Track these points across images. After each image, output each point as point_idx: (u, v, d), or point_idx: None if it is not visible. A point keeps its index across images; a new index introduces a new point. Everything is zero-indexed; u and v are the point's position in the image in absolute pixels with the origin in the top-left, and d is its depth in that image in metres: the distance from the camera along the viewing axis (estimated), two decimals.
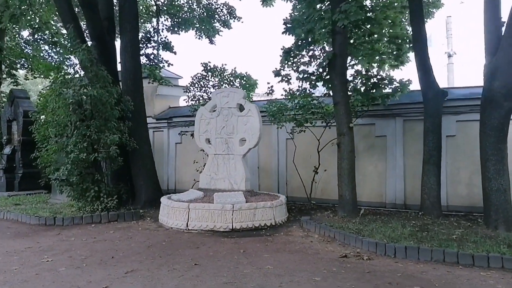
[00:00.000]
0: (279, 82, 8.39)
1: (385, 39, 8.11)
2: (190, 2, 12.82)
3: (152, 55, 11.41)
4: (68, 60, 12.99)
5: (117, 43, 9.84)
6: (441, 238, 5.49)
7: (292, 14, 8.34)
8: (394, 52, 8.20)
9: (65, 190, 7.98)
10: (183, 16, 12.74)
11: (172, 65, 11.65)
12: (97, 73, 8.12)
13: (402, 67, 8.50)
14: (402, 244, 5.18)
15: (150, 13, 13.30)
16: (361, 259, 5.02)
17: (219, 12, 12.75)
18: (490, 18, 6.35)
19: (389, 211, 8.12)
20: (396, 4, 7.97)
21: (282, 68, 8.34)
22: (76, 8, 10.64)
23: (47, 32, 13.83)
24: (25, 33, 14.89)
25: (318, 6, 7.67)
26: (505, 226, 5.98)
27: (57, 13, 11.76)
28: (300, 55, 8.22)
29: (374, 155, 8.76)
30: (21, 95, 12.32)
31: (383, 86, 7.89)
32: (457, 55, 19.48)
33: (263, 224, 6.79)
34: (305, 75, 8.14)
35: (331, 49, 7.67)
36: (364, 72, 8.27)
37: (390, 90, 7.96)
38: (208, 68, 9.82)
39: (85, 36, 9.55)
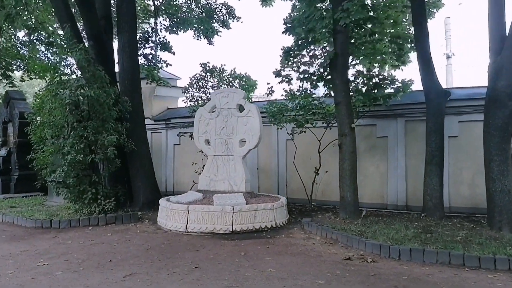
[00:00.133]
0: (279, 82, 8.33)
1: (387, 38, 8.05)
2: (188, 2, 12.71)
3: (150, 56, 11.30)
4: (64, 61, 12.82)
5: (115, 43, 9.75)
6: (445, 240, 5.42)
7: (292, 14, 8.30)
8: (396, 52, 8.14)
9: (62, 192, 7.87)
10: (182, 16, 12.63)
11: (170, 65, 11.56)
12: (95, 73, 8.01)
13: (403, 67, 8.46)
14: (407, 246, 5.09)
15: (148, 12, 13.18)
16: (365, 261, 4.93)
17: (218, 12, 12.64)
18: (495, 17, 6.28)
19: (391, 212, 8.04)
20: (398, 3, 7.92)
21: (282, 69, 8.29)
22: (73, 9, 10.52)
23: (43, 32, 13.67)
24: (21, 34, 14.74)
25: (318, 5, 7.60)
26: (509, 227, 5.90)
27: (53, 12, 11.64)
28: (301, 55, 8.17)
29: (375, 156, 8.68)
30: (17, 96, 12.17)
31: (384, 86, 7.83)
32: (456, 56, 19.51)
33: (264, 226, 6.69)
34: (306, 75, 8.07)
35: (332, 48, 7.60)
36: (365, 72, 8.20)
37: (392, 90, 7.89)
38: (207, 68, 9.73)
39: (82, 36, 9.45)
